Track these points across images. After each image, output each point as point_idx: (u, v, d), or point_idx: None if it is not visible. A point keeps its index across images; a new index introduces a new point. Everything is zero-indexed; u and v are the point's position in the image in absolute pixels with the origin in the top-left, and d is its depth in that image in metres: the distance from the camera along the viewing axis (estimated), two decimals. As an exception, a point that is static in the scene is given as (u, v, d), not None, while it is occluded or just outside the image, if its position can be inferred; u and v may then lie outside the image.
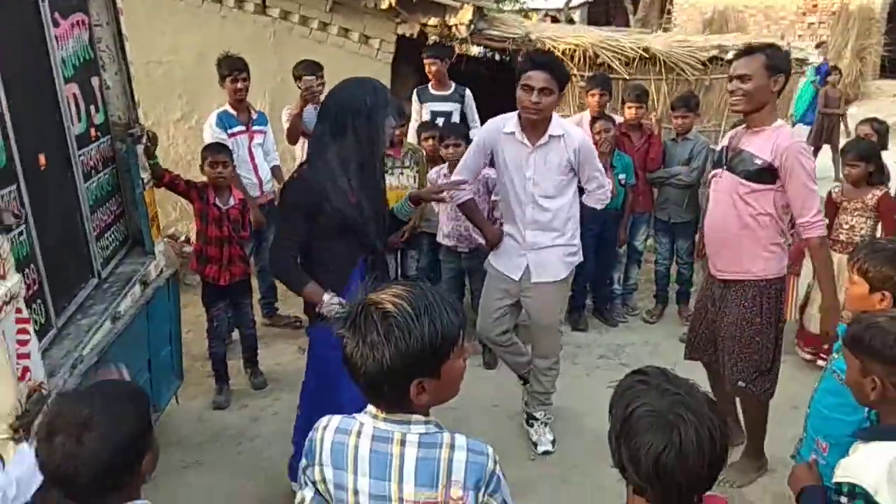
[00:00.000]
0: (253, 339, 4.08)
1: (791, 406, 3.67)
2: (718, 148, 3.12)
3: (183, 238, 5.70)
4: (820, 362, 4.11)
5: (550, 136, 3.15)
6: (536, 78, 3.01)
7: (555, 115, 3.21)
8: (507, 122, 3.23)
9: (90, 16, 3.14)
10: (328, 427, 1.46)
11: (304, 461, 1.49)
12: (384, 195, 2.79)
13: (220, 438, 3.57)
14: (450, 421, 3.52)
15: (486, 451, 1.42)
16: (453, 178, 3.46)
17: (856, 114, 13.71)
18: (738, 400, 3.33)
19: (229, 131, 4.31)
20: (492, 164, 3.40)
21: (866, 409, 1.85)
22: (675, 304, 5.05)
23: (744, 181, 2.88)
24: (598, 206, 3.44)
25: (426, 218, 4.50)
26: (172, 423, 3.62)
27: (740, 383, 3.11)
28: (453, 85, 5.17)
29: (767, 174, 2.81)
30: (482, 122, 5.27)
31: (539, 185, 3.20)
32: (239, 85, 4.27)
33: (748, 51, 2.85)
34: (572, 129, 3.31)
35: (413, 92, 5.21)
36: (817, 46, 11.78)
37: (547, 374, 3.55)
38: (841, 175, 4.31)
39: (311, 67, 4.56)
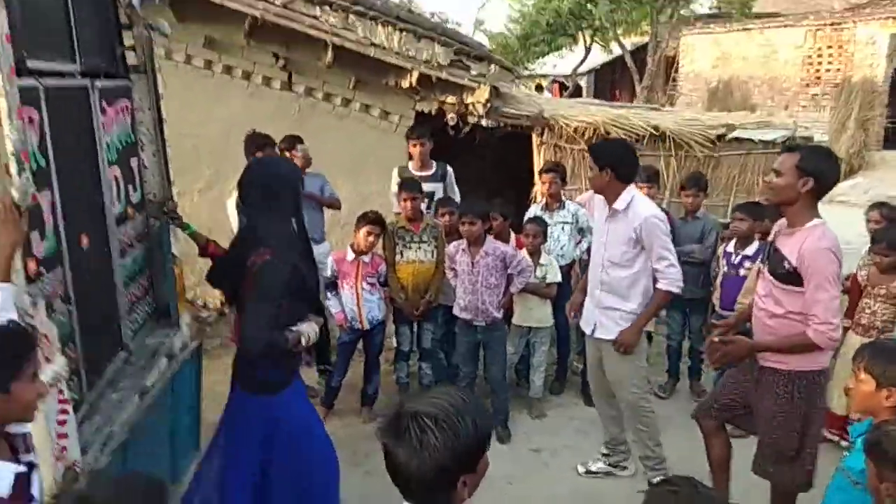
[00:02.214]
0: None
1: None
2: (770, 237, 3.17)
3: (201, 303, 5.81)
4: (844, 443, 4.11)
5: (614, 210, 3.54)
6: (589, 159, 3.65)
7: (627, 192, 3.53)
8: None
9: (133, 101, 3.34)
10: None
11: None
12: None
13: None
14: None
15: None
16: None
17: (861, 183, 13.96)
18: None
19: None
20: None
21: None
22: (687, 378, 5.08)
23: (774, 280, 2.96)
24: (674, 289, 3.54)
25: (442, 291, 4.60)
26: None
27: (769, 468, 3.14)
28: (434, 164, 5.19)
29: (795, 277, 2.87)
30: (472, 190, 5.41)
31: (608, 251, 3.61)
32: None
33: (790, 148, 3.05)
34: (641, 206, 3.53)
35: (395, 171, 5.17)
36: None
37: (639, 434, 3.77)
38: (867, 260, 4.26)
39: (297, 139, 4.90)
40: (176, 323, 3.49)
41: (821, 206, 3.02)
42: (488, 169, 7.71)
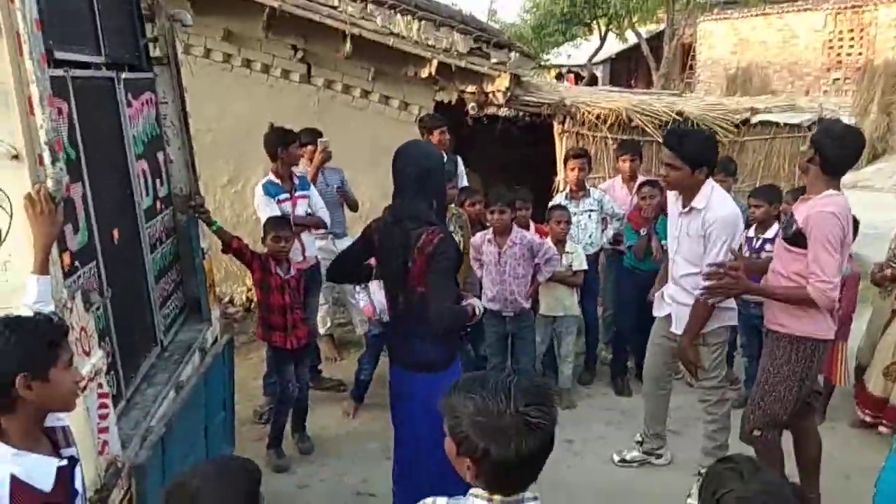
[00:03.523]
0: (305, 402, 4.12)
1: (843, 475, 3.61)
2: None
3: (227, 300, 5.81)
4: (882, 429, 4.02)
5: (692, 208, 3.35)
6: (665, 154, 3.38)
7: (708, 188, 3.30)
8: None
9: (157, 94, 3.31)
10: None
11: None
12: None
13: (269, 506, 3.56)
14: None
15: None
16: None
17: (885, 168, 13.70)
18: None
19: (276, 199, 4.41)
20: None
21: None
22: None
23: (784, 242, 3.07)
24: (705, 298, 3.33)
25: (468, 281, 4.55)
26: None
27: (756, 432, 3.21)
28: (444, 154, 5.03)
29: (800, 239, 2.97)
30: (492, 181, 5.28)
31: (681, 246, 3.46)
32: (300, 152, 4.51)
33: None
34: (718, 206, 3.28)
35: None
36: None
37: (708, 425, 3.68)
38: None
39: (316, 133, 4.86)
40: (207, 318, 3.47)
41: (845, 192, 3.10)
42: (509, 159, 7.65)
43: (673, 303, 3.56)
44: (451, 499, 1.50)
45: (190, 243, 3.38)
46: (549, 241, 4.50)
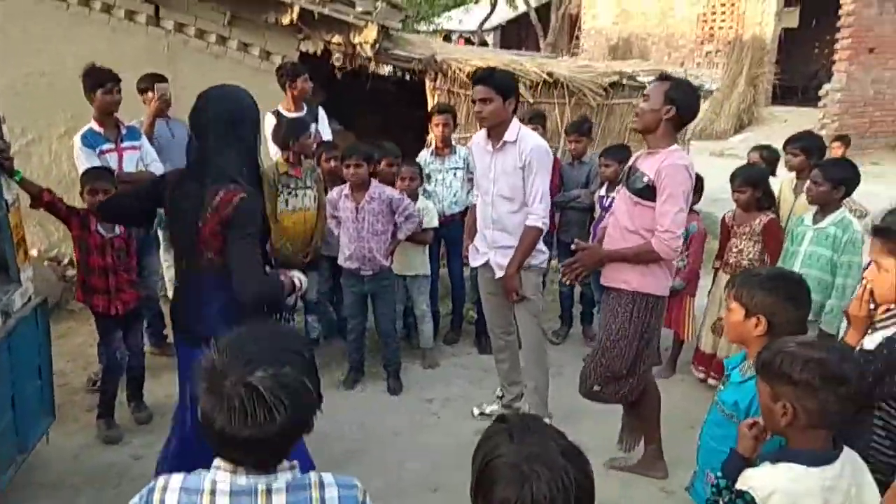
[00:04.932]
0: (140, 369, 3.81)
1: (688, 426, 3.73)
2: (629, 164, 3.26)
3: (67, 261, 5.32)
4: (711, 381, 4.20)
5: (505, 142, 3.41)
6: (477, 91, 3.38)
7: (515, 124, 3.45)
8: (480, 134, 3.58)
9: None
10: (168, 488, 1.30)
11: None
12: None
13: (97, 480, 3.28)
14: (344, 453, 3.40)
15: (356, 483, 1.40)
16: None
17: (750, 137, 14.54)
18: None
19: (98, 150, 3.99)
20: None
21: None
22: (580, 324, 5.08)
23: (632, 195, 3.05)
24: (539, 225, 3.43)
25: (325, 240, 4.36)
26: (43, 463, 3.31)
27: (595, 387, 3.27)
28: (304, 105, 4.87)
29: (650, 192, 2.98)
30: (363, 138, 5.10)
31: (497, 185, 3.48)
32: (115, 97, 4.00)
33: (660, 77, 3.15)
34: (530, 136, 3.47)
35: (269, 116, 4.68)
36: None
37: (529, 368, 3.77)
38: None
39: (158, 78, 4.44)
40: (16, 278, 3.10)
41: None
42: (383, 119, 7.44)
43: (492, 248, 3.59)
44: (189, 474, 1.32)
45: (-9, 194, 2.98)
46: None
